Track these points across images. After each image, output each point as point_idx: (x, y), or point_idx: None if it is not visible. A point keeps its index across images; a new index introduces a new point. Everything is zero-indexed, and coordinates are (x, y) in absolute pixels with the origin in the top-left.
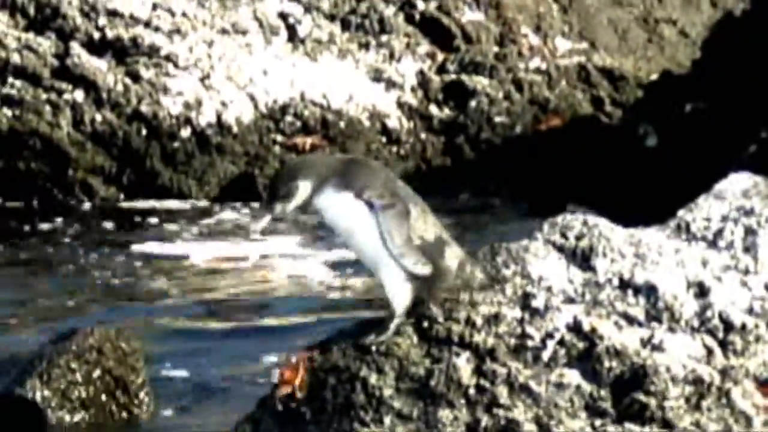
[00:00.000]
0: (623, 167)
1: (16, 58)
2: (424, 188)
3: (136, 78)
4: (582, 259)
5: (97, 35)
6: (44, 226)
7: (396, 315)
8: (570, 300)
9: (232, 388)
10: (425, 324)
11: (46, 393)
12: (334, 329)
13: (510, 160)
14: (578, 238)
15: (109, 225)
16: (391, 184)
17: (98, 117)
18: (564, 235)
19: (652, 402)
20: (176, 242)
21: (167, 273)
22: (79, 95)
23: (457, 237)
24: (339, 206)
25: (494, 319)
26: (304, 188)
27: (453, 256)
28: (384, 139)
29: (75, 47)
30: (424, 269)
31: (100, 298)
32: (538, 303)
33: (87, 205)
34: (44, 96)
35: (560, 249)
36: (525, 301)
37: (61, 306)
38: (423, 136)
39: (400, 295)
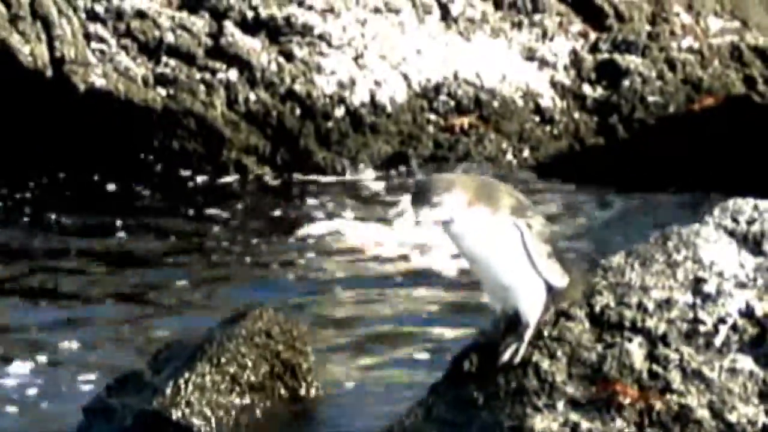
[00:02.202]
0: None
1: (170, 38)
2: (578, 168)
3: (289, 57)
4: (753, 243)
5: (250, 14)
6: (200, 203)
7: (530, 326)
8: (742, 285)
9: (397, 371)
10: (597, 309)
11: (216, 377)
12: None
13: (664, 139)
14: (749, 222)
15: (264, 202)
16: (526, 203)
17: (252, 96)
18: (735, 220)
19: None
20: (332, 221)
21: (326, 253)
22: (233, 74)
23: (623, 221)
24: (482, 226)
25: (666, 303)
26: (453, 202)
27: (576, 266)
28: (537, 119)
29: (228, 26)
30: (563, 281)
31: (263, 278)
32: (709, 288)
33: (241, 183)
34: (198, 75)
35: (731, 233)
36: (696, 285)
37: (223, 287)
38: (576, 115)
39: (537, 308)
